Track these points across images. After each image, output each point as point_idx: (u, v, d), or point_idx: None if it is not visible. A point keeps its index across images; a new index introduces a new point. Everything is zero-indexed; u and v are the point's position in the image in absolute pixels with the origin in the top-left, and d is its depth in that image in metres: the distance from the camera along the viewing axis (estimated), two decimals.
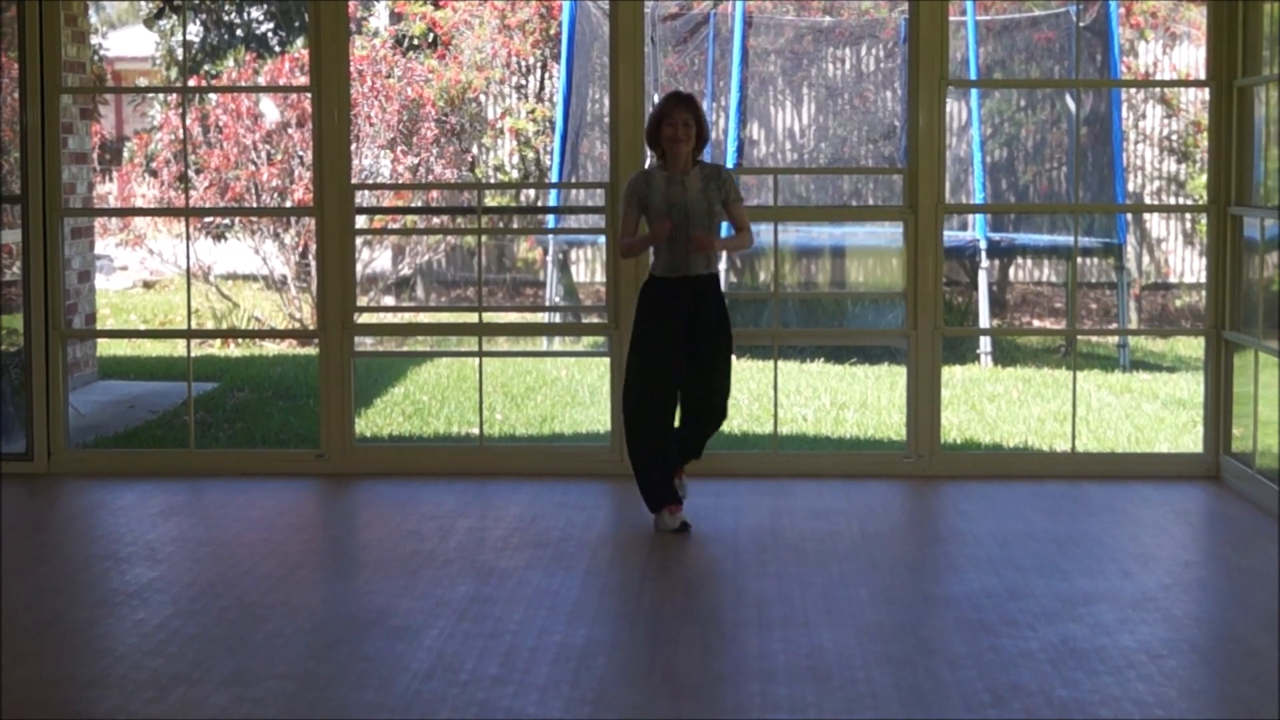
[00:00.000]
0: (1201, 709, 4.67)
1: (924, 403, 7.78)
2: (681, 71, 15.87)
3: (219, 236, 14.94)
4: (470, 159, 15.61)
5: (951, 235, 13.95)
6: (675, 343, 6.68)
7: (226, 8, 18.76)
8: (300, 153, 13.61)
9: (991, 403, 11.03)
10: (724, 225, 6.80)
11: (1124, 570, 6.12)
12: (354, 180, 9.74)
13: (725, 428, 9.79)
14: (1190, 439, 9.57)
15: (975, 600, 5.67)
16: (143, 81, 20.85)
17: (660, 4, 15.52)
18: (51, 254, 7.88)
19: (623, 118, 7.68)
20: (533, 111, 16.16)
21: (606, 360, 8.08)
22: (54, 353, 7.90)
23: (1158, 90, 16.14)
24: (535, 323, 15.37)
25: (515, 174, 16.16)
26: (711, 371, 6.72)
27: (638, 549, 6.51)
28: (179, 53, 18.11)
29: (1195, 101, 15.90)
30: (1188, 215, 16.10)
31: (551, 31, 15.91)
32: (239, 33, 18.87)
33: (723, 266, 13.79)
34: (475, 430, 9.72)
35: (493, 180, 15.96)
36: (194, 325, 13.15)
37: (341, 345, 7.85)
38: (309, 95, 7.86)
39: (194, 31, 18.59)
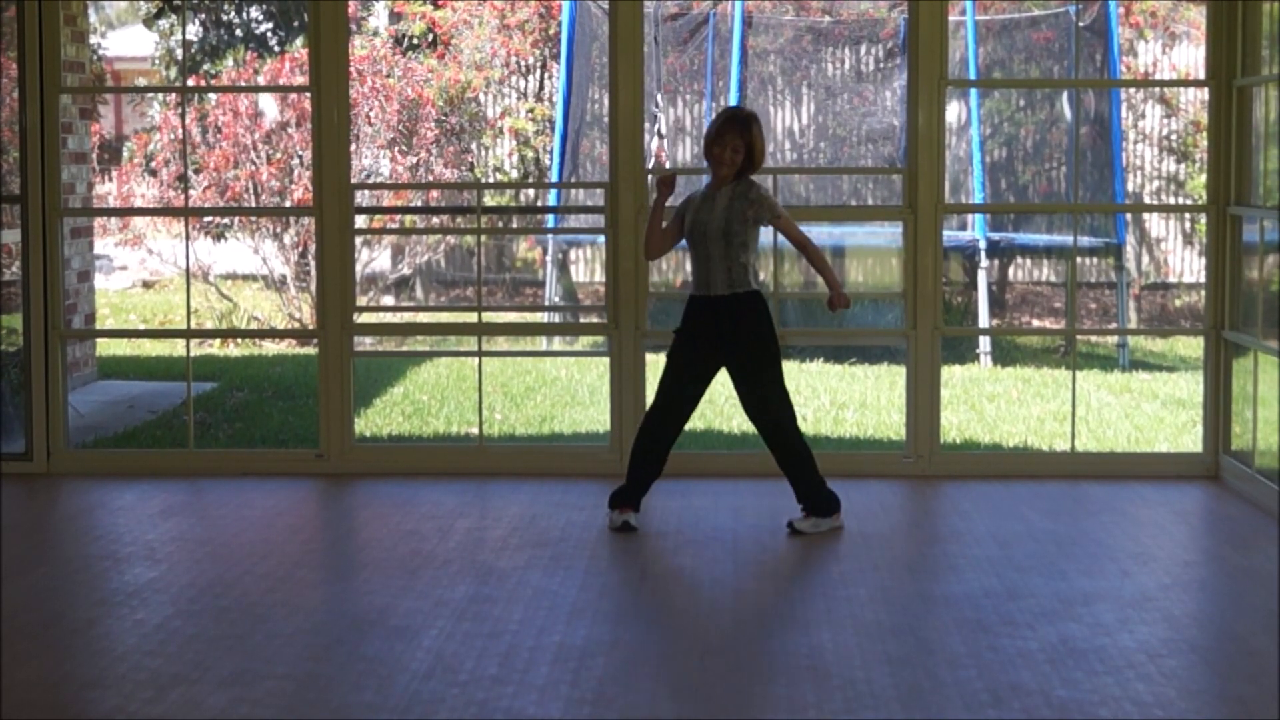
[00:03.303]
0: (1201, 709, 4.67)
1: (923, 403, 7.78)
2: (682, 71, 15.88)
3: (218, 236, 14.94)
4: (469, 159, 15.61)
5: (951, 235, 13.94)
6: (698, 361, 6.73)
7: (226, 8, 18.76)
8: (300, 152, 13.61)
9: (991, 403, 11.03)
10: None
11: (1123, 570, 6.12)
12: (353, 180, 9.73)
13: (725, 427, 9.86)
14: (1190, 439, 9.57)
15: (975, 600, 5.67)
16: (142, 81, 20.84)
17: (662, 4, 15.52)
18: (51, 254, 7.88)
19: (623, 118, 7.68)
20: (532, 111, 16.16)
21: (606, 360, 8.08)
22: (53, 353, 7.90)
23: (1157, 90, 16.14)
24: (535, 323, 15.36)
25: (515, 174, 16.16)
26: (754, 385, 6.71)
27: (638, 549, 6.51)
28: (178, 52, 18.11)
29: (1195, 101, 15.90)
30: (1187, 215, 16.11)
31: (551, 31, 15.91)
32: (238, 32, 18.87)
33: None
34: (475, 430, 9.72)
35: (492, 180, 15.96)
36: (193, 325, 13.14)
37: (341, 345, 7.85)
38: (309, 95, 7.86)
39: (193, 31, 18.59)
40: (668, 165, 14.73)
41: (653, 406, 6.83)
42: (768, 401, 6.74)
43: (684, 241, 6.85)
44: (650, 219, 6.90)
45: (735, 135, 6.66)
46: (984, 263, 13.71)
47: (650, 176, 7.36)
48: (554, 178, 14.77)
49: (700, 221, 6.68)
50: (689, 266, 6.88)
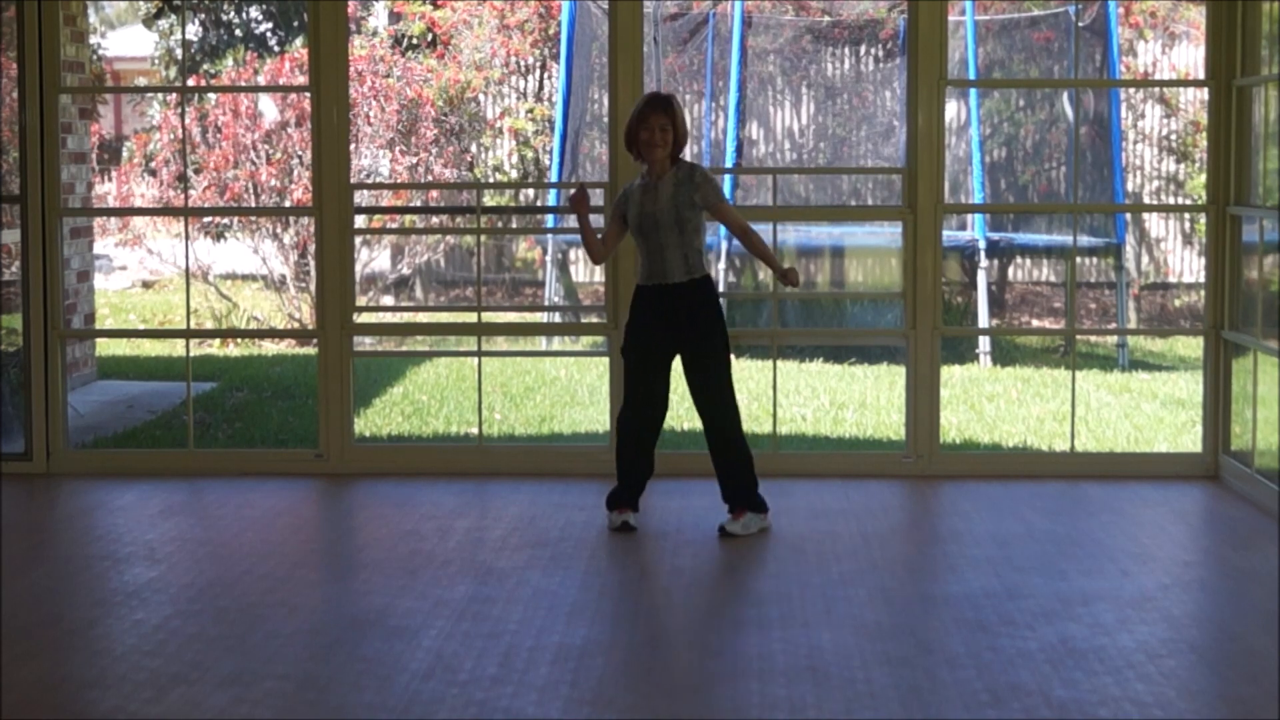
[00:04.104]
0: (1200, 709, 4.67)
1: (923, 403, 7.78)
2: (681, 71, 15.87)
3: (218, 236, 14.94)
4: (469, 159, 15.60)
5: (950, 235, 13.95)
6: (658, 350, 6.68)
7: (225, 8, 18.76)
8: (299, 152, 13.61)
9: (990, 403, 11.03)
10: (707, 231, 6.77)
11: (1123, 570, 6.12)
12: (353, 180, 9.74)
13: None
14: (1189, 439, 9.57)
15: (974, 600, 5.67)
16: (142, 81, 20.84)
17: (662, 4, 15.52)
18: (50, 254, 7.88)
19: (622, 118, 7.65)
20: (532, 111, 16.16)
21: (605, 360, 8.08)
22: (53, 352, 7.90)
23: (1157, 90, 16.15)
24: (534, 322, 15.37)
25: (514, 174, 16.16)
26: (706, 377, 6.66)
27: (637, 549, 6.51)
28: (178, 52, 18.11)
29: (1194, 101, 15.90)
30: (1186, 215, 16.11)
31: (551, 31, 15.91)
32: (238, 32, 18.87)
33: (721, 266, 13.83)
34: (474, 430, 9.72)
35: (492, 180, 15.96)
36: (193, 325, 13.14)
37: (340, 345, 7.85)
38: (308, 95, 7.86)
39: (193, 31, 18.60)
40: None
41: (631, 410, 6.74)
42: (721, 391, 6.67)
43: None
44: (583, 237, 6.82)
45: (658, 114, 6.59)
46: (984, 263, 13.72)
47: (567, 198, 7.05)
48: (554, 178, 14.77)
49: (648, 213, 6.62)
50: (639, 259, 6.73)
